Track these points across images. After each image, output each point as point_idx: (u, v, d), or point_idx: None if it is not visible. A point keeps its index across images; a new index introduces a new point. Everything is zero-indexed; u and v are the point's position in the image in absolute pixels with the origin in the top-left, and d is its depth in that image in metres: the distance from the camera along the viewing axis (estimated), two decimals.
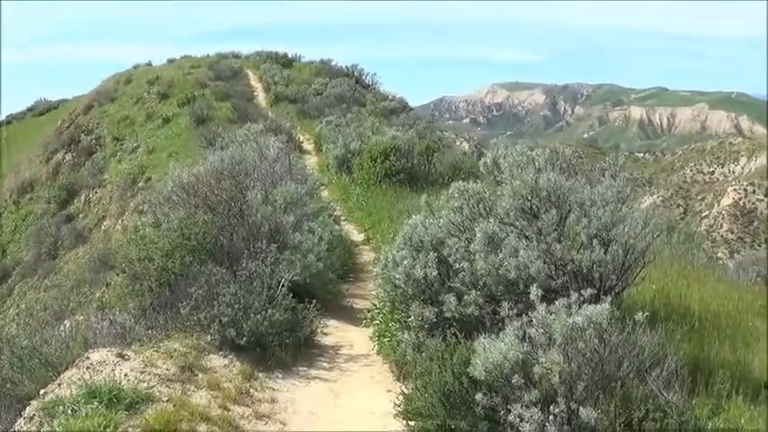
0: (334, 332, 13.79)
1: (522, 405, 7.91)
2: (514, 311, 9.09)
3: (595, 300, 8.67)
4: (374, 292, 14.64)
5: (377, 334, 12.80)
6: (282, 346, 11.82)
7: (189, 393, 9.91)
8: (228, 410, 9.77)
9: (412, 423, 9.18)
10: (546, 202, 10.94)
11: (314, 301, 13.04)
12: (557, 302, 8.43)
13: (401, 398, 9.51)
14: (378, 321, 12.94)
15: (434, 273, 11.17)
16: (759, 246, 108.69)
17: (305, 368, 12.01)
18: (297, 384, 11.39)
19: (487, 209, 11.64)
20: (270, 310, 11.75)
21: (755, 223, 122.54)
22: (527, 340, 8.43)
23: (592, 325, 8.11)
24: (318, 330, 13.14)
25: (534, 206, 10.96)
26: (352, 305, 15.66)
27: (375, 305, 13.45)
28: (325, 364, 12.36)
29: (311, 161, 33.95)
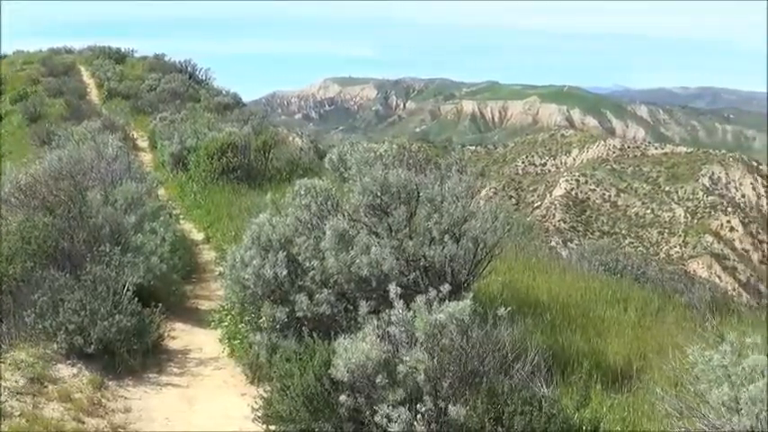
0: (181, 336, 13.44)
1: (387, 405, 7.84)
2: (367, 309, 9.04)
3: (453, 296, 8.69)
4: (219, 293, 14.46)
5: (226, 336, 12.56)
6: (131, 353, 11.46)
7: (41, 406, 9.50)
8: (83, 423, 9.42)
9: (272, 427, 9.02)
10: (396, 198, 10.93)
11: (159, 304, 12.69)
12: (417, 300, 8.40)
13: (260, 401, 9.34)
14: (226, 323, 12.68)
15: (284, 272, 11.07)
16: (592, 234, 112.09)
17: (155, 374, 11.69)
18: (149, 392, 11.07)
19: (335, 206, 11.57)
20: (117, 316, 11.39)
21: (588, 212, 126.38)
22: (387, 339, 8.38)
23: (454, 321, 8.10)
24: (166, 335, 12.79)
25: (384, 203, 10.94)
26: (197, 307, 15.33)
27: (223, 306, 13.19)
28: (175, 369, 12.05)
29: (146, 158, 33.25)
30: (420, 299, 8.38)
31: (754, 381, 6.54)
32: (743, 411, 6.42)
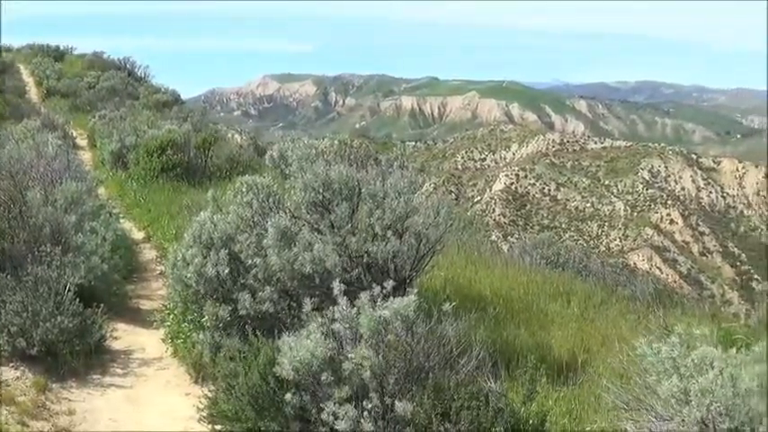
0: (123, 336, 13.28)
1: (334, 402, 7.84)
2: (310, 306, 9.02)
3: (397, 292, 8.71)
4: (160, 292, 14.39)
5: (169, 336, 12.47)
6: (74, 354, 11.33)
7: None
8: (27, 426, 9.33)
9: (218, 427, 8.97)
10: (338, 194, 10.92)
11: (101, 304, 12.56)
12: (361, 296, 8.40)
13: (205, 401, 9.29)
14: (169, 322, 12.59)
15: (226, 270, 11.00)
16: (532, 228, 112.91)
17: (98, 376, 11.56)
18: (92, 393, 10.95)
19: (277, 203, 11.53)
20: (59, 317, 11.28)
21: (527, 207, 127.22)
22: (332, 336, 8.38)
23: (399, 317, 8.12)
24: (108, 335, 12.64)
25: (326, 199, 10.92)
26: (138, 306, 15.18)
27: (165, 305, 13.11)
28: (118, 370, 11.94)
29: (85, 157, 32.80)
30: (364, 295, 8.37)
31: (703, 372, 6.62)
32: (693, 403, 6.49)
